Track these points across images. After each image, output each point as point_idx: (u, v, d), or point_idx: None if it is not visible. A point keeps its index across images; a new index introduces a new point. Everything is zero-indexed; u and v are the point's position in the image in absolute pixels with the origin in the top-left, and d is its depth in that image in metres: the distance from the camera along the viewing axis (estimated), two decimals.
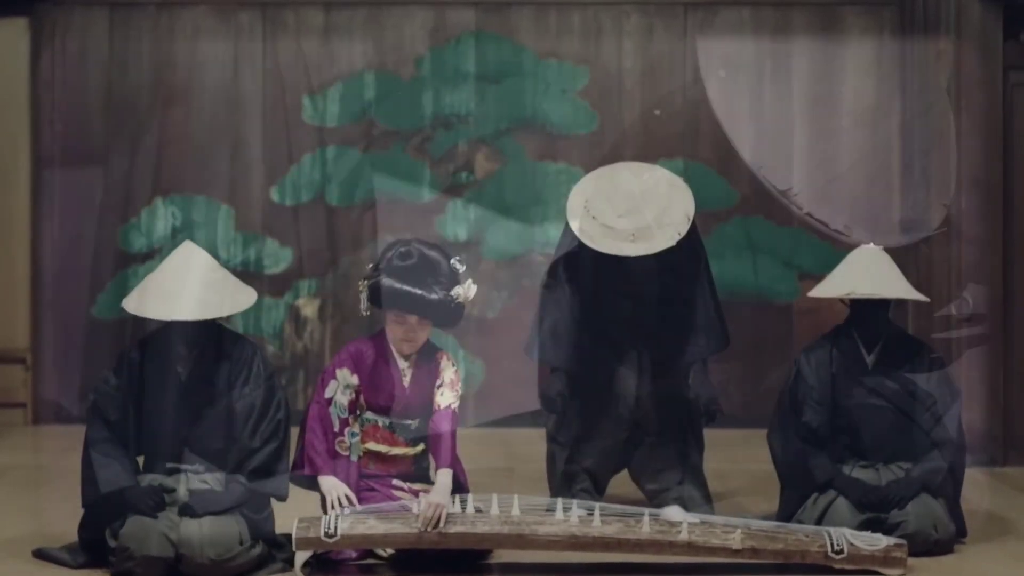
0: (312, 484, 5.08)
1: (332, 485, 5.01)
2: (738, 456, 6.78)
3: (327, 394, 5.10)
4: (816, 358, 5.47)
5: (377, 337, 5.19)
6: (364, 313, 5.16)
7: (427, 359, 5.19)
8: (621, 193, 5.41)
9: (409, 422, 5.17)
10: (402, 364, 5.16)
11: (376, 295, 5.07)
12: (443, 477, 4.99)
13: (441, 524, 4.85)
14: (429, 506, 4.87)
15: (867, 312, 5.44)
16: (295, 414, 5.19)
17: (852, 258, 5.57)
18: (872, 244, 5.59)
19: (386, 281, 5.03)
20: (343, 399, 5.10)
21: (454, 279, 5.07)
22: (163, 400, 4.96)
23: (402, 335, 5.11)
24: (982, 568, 5.13)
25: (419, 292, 5.01)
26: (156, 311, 4.92)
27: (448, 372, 5.18)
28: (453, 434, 5.09)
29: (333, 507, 4.94)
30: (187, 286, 4.92)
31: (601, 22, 8.09)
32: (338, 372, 5.12)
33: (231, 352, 5.01)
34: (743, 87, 8.05)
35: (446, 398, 5.15)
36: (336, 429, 5.09)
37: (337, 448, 5.08)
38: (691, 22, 8.07)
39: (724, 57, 8.06)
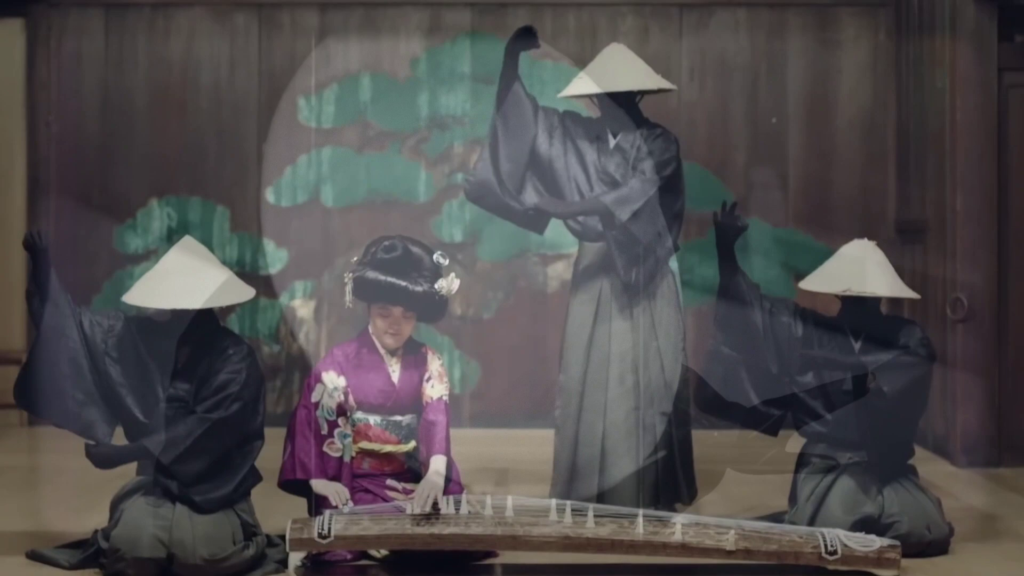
0: (303, 489, 5.09)
1: (325, 485, 5.03)
2: (733, 457, 6.78)
3: (314, 398, 5.12)
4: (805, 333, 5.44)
5: (361, 337, 5.21)
6: (348, 306, 5.17)
7: (412, 353, 5.21)
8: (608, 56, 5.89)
9: (400, 418, 5.19)
10: (388, 360, 5.18)
11: (361, 288, 5.10)
12: (437, 462, 5.02)
13: (438, 505, 4.86)
14: (423, 487, 4.89)
15: (858, 308, 5.44)
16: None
17: (845, 252, 5.54)
18: (865, 239, 5.58)
19: (371, 273, 5.07)
20: (330, 402, 5.12)
21: (437, 272, 5.12)
22: (149, 381, 4.94)
23: (386, 328, 5.14)
24: (976, 569, 5.13)
25: (403, 284, 5.04)
26: (157, 301, 4.94)
27: (435, 364, 5.22)
28: (447, 424, 5.12)
29: (335, 504, 4.95)
30: (187, 277, 4.94)
31: (596, 23, 8.09)
32: (324, 376, 5.14)
33: (224, 350, 4.98)
34: (738, 88, 8.05)
35: (436, 390, 5.17)
36: (324, 432, 5.10)
37: (327, 450, 5.09)
38: (686, 23, 8.07)
39: (719, 58, 8.06)
